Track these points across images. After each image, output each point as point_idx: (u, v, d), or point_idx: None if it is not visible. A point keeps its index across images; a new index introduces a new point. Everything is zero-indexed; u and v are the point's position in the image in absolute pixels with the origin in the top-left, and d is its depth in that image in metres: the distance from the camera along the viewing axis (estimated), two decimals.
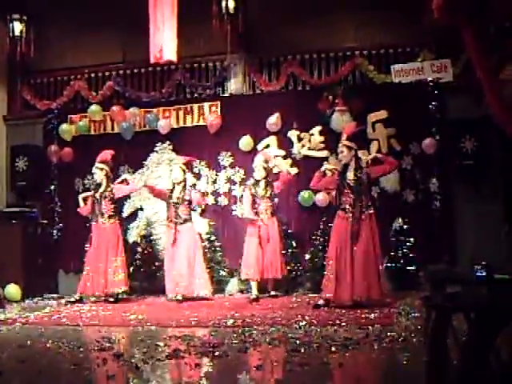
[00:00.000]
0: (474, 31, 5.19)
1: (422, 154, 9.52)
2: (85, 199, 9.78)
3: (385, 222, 8.97)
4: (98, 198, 9.45)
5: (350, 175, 7.96)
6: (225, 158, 10.17)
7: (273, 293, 9.27)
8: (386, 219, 9.15)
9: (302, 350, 5.36)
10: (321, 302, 7.95)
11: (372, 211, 7.92)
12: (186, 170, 9.51)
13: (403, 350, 5.22)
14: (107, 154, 9.60)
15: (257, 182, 9.17)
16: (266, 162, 9.28)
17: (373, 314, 7.12)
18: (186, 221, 9.20)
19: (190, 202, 9.31)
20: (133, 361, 5.13)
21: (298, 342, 5.71)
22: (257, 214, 9.09)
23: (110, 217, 9.42)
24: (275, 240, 9.13)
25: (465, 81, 9.02)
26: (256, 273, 8.99)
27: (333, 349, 5.39)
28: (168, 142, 10.40)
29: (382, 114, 9.75)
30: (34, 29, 10.76)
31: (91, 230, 9.49)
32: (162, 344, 5.81)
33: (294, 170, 10.00)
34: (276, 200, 9.45)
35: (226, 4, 9.74)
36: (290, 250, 9.71)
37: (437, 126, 9.53)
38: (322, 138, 9.96)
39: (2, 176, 11.21)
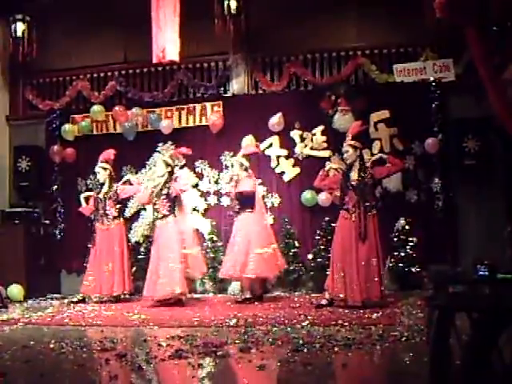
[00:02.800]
0: (477, 31, 5.20)
1: (425, 153, 9.52)
2: (86, 199, 9.78)
3: (387, 222, 8.98)
4: (101, 198, 9.44)
5: (354, 175, 7.95)
6: (227, 158, 10.16)
7: (247, 295, 8.80)
8: (389, 219, 9.16)
9: (305, 350, 5.36)
10: (323, 301, 7.96)
11: (375, 212, 7.92)
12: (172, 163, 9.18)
13: (406, 350, 5.22)
14: (110, 153, 9.60)
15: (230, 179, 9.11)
16: (245, 159, 8.99)
17: (375, 314, 7.13)
18: (164, 216, 8.83)
19: (168, 197, 8.85)
20: (135, 361, 5.13)
21: (300, 341, 5.71)
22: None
23: (114, 218, 9.41)
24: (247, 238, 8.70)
25: (467, 80, 9.02)
26: (233, 272, 8.70)
27: (335, 349, 5.39)
28: (170, 142, 10.39)
29: (385, 114, 9.75)
30: (36, 29, 10.80)
31: (94, 230, 9.49)
32: (164, 344, 5.81)
33: (297, 170, 10.01)
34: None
35: (229, 4, 9.76)
36: (292, 250, 9.72)
37: (439, 126, 9.53)
38: (324, 138, 9.96)
39: (4, 176, 11.23)
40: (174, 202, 8.89)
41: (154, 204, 8.94)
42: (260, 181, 9.83)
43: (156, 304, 8.61)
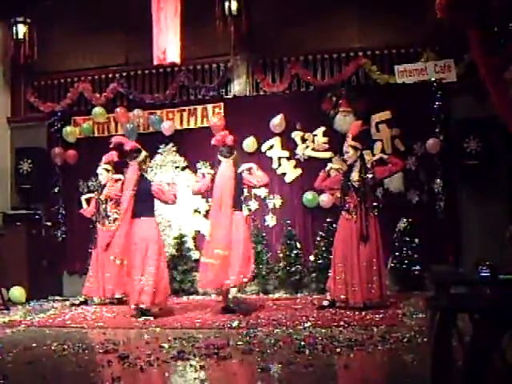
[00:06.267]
0: (478, 31, 5.19)
1: (426, 154, 9.52)
2: (88, 201, 9.77)
3: (389, 223, 8.97)
4: (102, 199, 9.43)
5: (355, 176, 7.93)
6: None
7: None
8: (391, 220, 9.15)
9: (307, 351, 5.36)
10: (325, 303, 7.95)
11: (376, 212, 7.90)
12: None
13: (408, 351, 5.21)
14: (112, 154, 9.54)
15: None
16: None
17: (377, 315, 7.12)
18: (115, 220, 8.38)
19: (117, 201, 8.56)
20: (137, 363, 5.13)
21: (302, 343, 5.70)
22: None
23: (115, 219, 9.38)
24: (237, 241, 7.86)
25: (468, 81, 9.02)
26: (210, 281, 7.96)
27: (337, 350, 5.39)
28: (172, 144, 10.40)
29: (386, 115, 9.74)
30: (37, 31, 10.80)
31: (96, 231, 9.48)
32: (166, 346, 5.81)
33: (298, 172, 10.01)
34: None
35: (229, 5, 9.76)
36: (294, 251, 9.72)
37: (441, 127, 9.52)
38: (325, 139, 9.95)
39: (6, 178, 11.23)
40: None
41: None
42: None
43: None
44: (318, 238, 9.69)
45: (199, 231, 10.15)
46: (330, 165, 8.54)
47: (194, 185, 8.50)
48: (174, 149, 10.41)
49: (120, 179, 9.11)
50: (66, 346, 5.97)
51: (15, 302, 9.62)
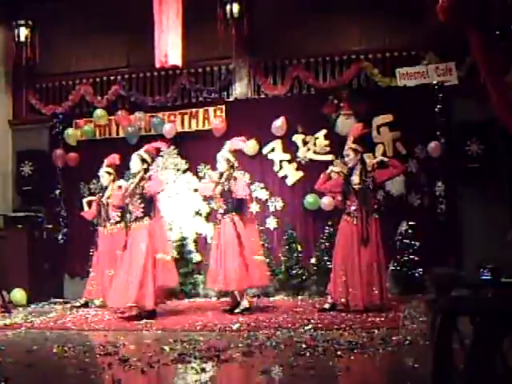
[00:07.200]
0: (479, 33, 5.19)
1: (428, 157, 9.50)
2: (89, 203, 9.77)
3: (390, 226, 8.97)
4: (103, 202, 9.43)
5: (356, 179, 7.93)
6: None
7: (236, 310, 8.02)
8: (392, 223, 9.14)
9: (308, 354, 5.35)
10: (326, 305, 7.95)
11: (377, 216, 7.90)
12: (149, 160, 8.31)
13: (409, 354, 5.21)
14: (114, 157, 9.55)
15: (220, 176, 8.29)
16: (231, 152, 8.34)
17: (378, 318, 7.12)
18: (137, 219, 7.99)
19: (142, 197, 7.98)
20: (138, 365, 5.12)
21: (303, 345, 5.70)
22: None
23: (116, 222, 9.37)
24: (232, 244, 8.00)
25: (470, 83, 9.01)
26: (211, 282, 8.30)
27: (338, 352, 5.39)
28: (173, 147, 10.39)
29: (388, 118, 9.73)
30: (39, 34, 10.82)
31: (97, 234, 9.48)
32: (167, 348, 5.81)
33: (299, 174, 10.00)
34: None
35: (231, 8, 9.78)
36: (295, 254, 9.72)
37: (442, 129, 9.51)
38: (327, 142, 9.95)
39: (7, 181, 11.23)
40: (150, 204, 8.08)
41: (127, 205, 8.17)
42: (262, 184, 9.93)
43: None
44: (319, 241, 9.69)
45: (200, 234, 10.15)
46: (331, 167, 8.53)
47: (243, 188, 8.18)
48: (176, 151, 10.40)
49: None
50: (66, 349, 5.97)
51: (16, 305, 9.62)
